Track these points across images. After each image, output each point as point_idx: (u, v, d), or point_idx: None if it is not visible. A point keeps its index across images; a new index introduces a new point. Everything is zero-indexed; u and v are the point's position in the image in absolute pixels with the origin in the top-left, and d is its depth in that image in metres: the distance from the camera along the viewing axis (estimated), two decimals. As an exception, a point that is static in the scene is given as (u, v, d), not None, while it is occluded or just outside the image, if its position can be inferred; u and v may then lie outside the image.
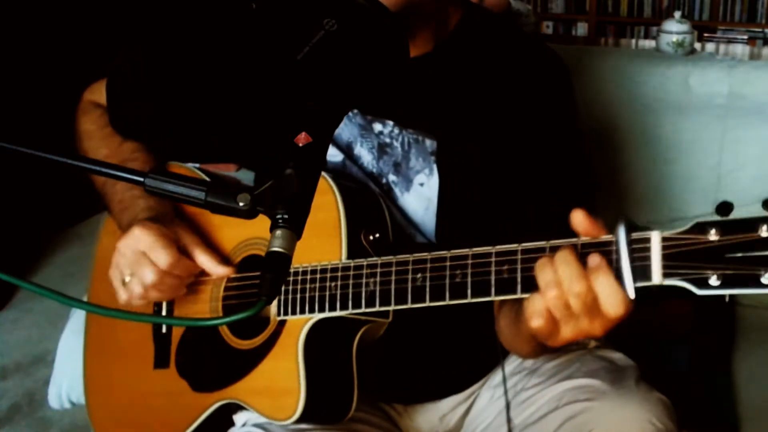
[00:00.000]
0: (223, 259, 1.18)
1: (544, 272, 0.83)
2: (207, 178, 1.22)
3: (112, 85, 1.28)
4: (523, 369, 1.21)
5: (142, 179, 0.76)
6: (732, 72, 1.75)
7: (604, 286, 0.80)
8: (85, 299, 1.48)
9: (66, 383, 1.70)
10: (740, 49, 3.41)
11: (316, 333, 1.05)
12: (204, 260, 1.15)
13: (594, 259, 0.81)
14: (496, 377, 1.23)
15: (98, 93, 1.30)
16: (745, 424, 1.44)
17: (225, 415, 1.18)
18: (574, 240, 0.84)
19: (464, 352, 1.24)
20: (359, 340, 1.07)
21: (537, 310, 0.84)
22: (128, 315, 1.11)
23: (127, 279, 1.12)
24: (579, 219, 0.83)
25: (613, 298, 0.81)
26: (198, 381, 1.19)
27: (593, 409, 1.04)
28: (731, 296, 1.88)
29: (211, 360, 1.18)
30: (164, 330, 1.24)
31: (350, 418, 1.12)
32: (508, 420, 1.13)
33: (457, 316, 1.18)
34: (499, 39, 1.19)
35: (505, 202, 1.12)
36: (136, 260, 1.10)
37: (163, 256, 1.09)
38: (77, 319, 1.73)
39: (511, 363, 1.24)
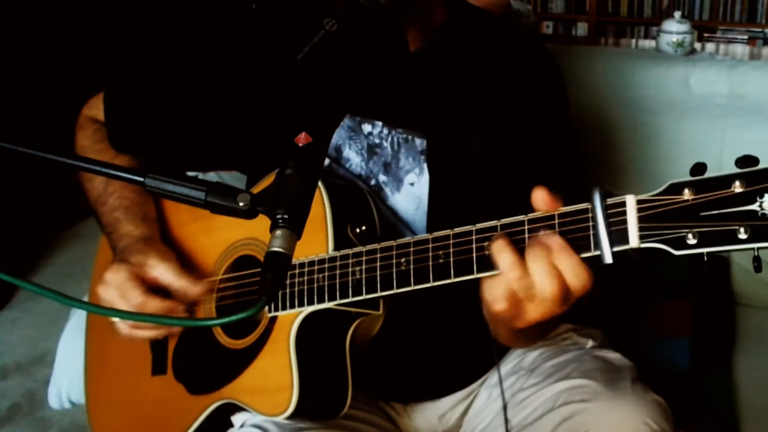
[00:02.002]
0: (213, 263, 1.19)
1: (503, 254, 0.83)
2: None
3: (110, 95, 1.28)
4: (520, 369, 1.21)
5: (141, 179, 0.76)
6: (732, 72, 1.75)
7: (569, 267, 0.81)
8: (88, 298, 1.48)
9: (66, 383, 1.70)
10: (740, 49, 3.41)
11: (307, 327, 1.05)
12: (178, 286, 1.13)
13: (555, 241, 0.81)
14: (495, 376, 1.23)
15: (96, 108, 1.30)
16: (745, 424, 1.44)
17: (223, 417, 1.18)
18: (552, 210, 0.84)
19: (462, 350, 1.23)
20: (352, 335, 1.07)
21: (499, 293, 0.84)
22: (128, 315, 1.12)
23: (115, 320, 1.16)
24: (539, 196, 0.84)
25: (579, 278, 0.81)
26: (194, 384, 1.19)
27: (589, 410, 1.04)
28: (731, 296, 1.88)
29: (205, 362, 1.18)
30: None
31: (350, 417, 1.12)
32: (506, 421, 1.13)
33: (454, 314, 1.18)
34: (485, 34, 1.19)
35: (495, 199, 1.12)
36: (114, 304, 1.12)
37: (131, 299, 1.10)
38: (77, 319, 1.72)
39: (509, 363, 1.24)
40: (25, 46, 3.25)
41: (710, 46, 2.94)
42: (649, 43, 2.64)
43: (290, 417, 1.05)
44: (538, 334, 1.14)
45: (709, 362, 1.59)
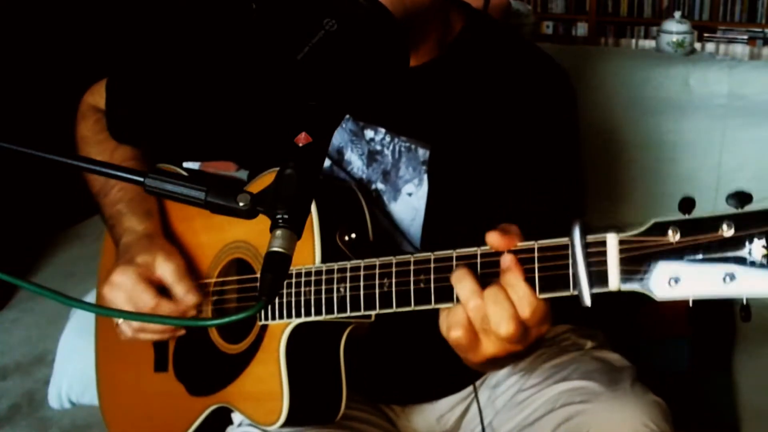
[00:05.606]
0: (208, 264, 1.19)
1: (462, 283, 0.82)
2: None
3: (112, 85, 1.28)
4: (520, 370, 1.20)
5: (141, 179, 0.76)
6: (732, 72, 1.76)
7: (525, 303, 0.79)
8: (89, 298, 1.48)
9: (66, 383, 1.70)
10: (740, 49, 3.41)
11: (297, 336, 1.04)
12: (177, 291, 1.13)
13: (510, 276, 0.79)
14: (495, 376, 1.23)
15: (98, 95, 1.30)
16: (745, 424, 1.44)
17: (223, 415, 1.18)
18: (531, 243, 0.81)
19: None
20: (346, 342, 1.06)
21: (458, 320, 0.83)
22: (128, 315, 1.12)
23: (120, 322, 1.15)
24: (492, 239, 0.82)
25: (536, 315, 0.79)
26: (193, 385, 1.19)
27: (588, 411, 1.04)
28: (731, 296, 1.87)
29: (203, 364, 1.18)
30: None
31: (348, 417, 1.12)
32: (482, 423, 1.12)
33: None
34: (501, 50, 1.17)
35: (493, 217, 1.11)
36: (122, 306, 1.11)
37: (145, 302, 1.10)
38: (77, 319, 1.73)
39: (509, 363, 1.23)
40: (26, 44, 3.25)
41: (710, 46, 2.95)
42: (649, 43, 2.64)
43: (282, 426, 1.04)
44: (499, 366, 1.11)
45: (709, 362, 1.59)
